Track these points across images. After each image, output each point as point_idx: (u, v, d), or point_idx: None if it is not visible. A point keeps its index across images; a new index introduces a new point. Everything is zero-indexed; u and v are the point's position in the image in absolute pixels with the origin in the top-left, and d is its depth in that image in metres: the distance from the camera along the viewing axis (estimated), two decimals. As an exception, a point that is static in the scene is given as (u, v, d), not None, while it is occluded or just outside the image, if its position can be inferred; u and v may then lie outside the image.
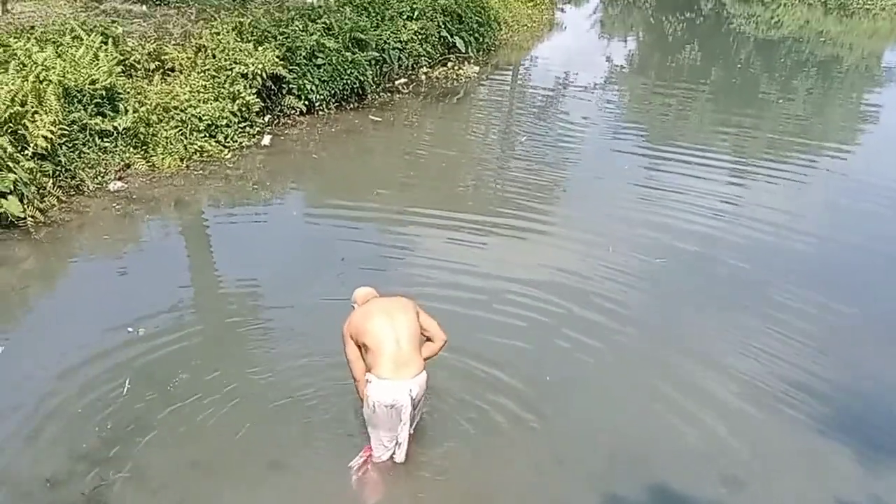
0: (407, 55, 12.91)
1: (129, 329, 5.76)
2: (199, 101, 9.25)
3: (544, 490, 4.54)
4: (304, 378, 5.30)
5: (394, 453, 4.51)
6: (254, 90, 9.83)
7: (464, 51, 14.29)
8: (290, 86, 10.52)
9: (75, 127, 8.00)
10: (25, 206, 7.09)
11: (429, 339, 4.56)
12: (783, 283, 6.91)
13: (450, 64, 14.01)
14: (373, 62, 11.82)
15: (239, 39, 10.15)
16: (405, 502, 4.50)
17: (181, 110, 9.08)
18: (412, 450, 4.55)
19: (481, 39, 15.14)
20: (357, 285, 4.77)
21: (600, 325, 6.10)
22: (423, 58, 13.42)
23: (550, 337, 5.93)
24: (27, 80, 7.60)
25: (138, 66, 9.47)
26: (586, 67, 16.19)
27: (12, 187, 6.99)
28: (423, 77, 13.45)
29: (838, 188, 9.69)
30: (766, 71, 17.88)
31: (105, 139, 8.34)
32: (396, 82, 12.77)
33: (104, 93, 8.37)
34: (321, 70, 10.85)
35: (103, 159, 8.27)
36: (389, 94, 12.41)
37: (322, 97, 10.90)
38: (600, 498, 4.48)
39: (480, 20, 15.06)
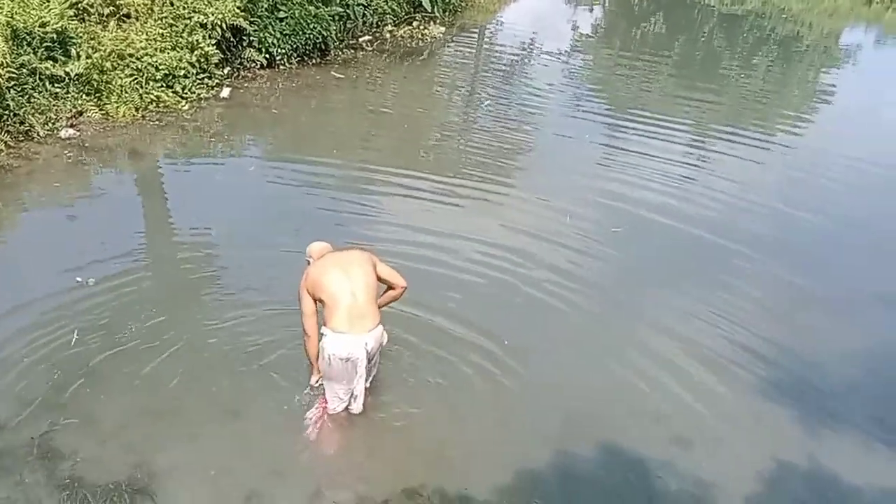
0: (372, 12, 12.70)
1: (79, 279, 5.65)
2: (155, 49, 8.98)
3: (498, 444, 4.60)
4: (257, 328, 5.28)
5: (349, 405, 4.54)
6: (213, 41, 9.57)
7: (430, 10, 14.09)
8: (251, 38, 10.28)
9: (24, 70, 7.71)
10: (-30, 150, 6.86)
11: (390, 288, 4.57)
12: (739, 253, 7.05)
13: (415, 23, 13.81)
14: (337, 17, 11.60)
15: (198, -13, 9.85)
16: (361, 452, 4.53)
17: (137, 58, 8.81)
18: (368, 402, 4.59)
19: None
20: (312, 240, 4.75)
21: (560, 287, 6.16)
22: (388, 15, 13.22)
23: (510, 296, 5.98)
24: (-28, 20, 7.31)
25: (92, 11, 9.11)
26: (552, 33, 16.12)
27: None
28: (388, 35, 13.25)
29: (793, 162, 9.87)
30: (728, 45, 18.02)
31: (56, 84, 8.07)
32: (360, 39, 12.57)
33: (55, 36, 8.06)
34: (283, 23, 10.61)
35: (54, 105, 8.01)
36: (353, 51, 12.20)
37: (284, 51, 10.69)
38: (554, 452, 4.57)
39: (447, -21, 14.86)
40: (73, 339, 5.00)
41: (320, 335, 4.34)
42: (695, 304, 6.11)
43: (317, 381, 4.62)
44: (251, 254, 6.24)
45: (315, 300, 4.37)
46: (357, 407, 4.53)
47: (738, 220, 7.80)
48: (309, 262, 4.55)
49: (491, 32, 16.39)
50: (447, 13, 14.90)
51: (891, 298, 6.58)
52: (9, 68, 7.37)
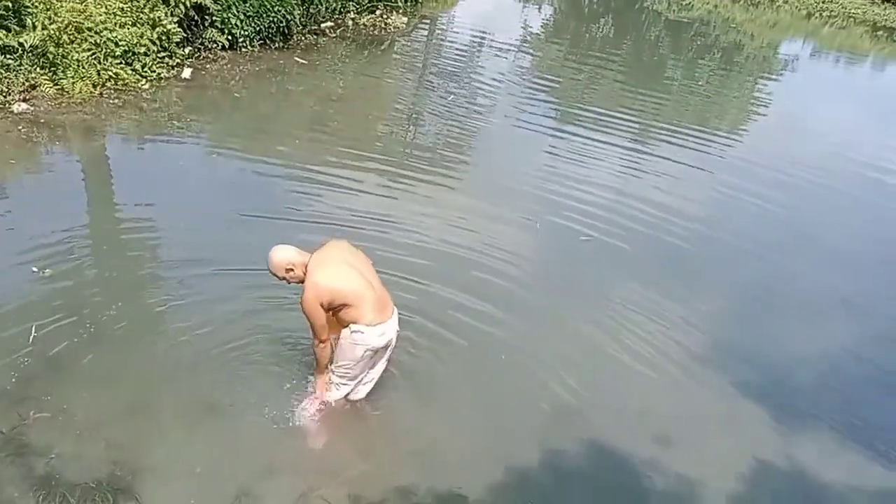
0: (336, -2, 12.47)
1: (34, 269, 5.34)
2: (115, 24, 8.58)
3: (488, 441, 4.58)
4: (228, 309, 5.17)
5: (350, 392, 4.46)
6: (175, 18, 9.22)
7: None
8: (214, 18, 9.95)
9: (-26, 39, 7.28)
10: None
11: None
12: (698, 256, 7.26)
13: (378, 12, 13.64)
14: (301, 2, 11.33)
15: (160, -39, 9.46)
16: (352, 450, 4.45)
17: (96, 32, 8.39)
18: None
19: (410, -11, 14.82)
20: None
21: (532, 281, 6.22)
22: (351, 2, 13.00)
23: (489, 291, 5.96)
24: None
25: (47, -21, 8.65)
26: (506, 29, 16.22)
27: None
28: (351, 23, 13.04)
29: (738, 166, 10.03)
30: (674, 50, 18.50)
31: (9, 56, 7.62)
32: (323, 25, 12.32)
33: (9, 4, 7.62)
34: (247, 4, 10.31)
35: (6, 77, 7.58)
36: (315, 37, 11.96)
37: (246, 33, 10.39)
38: (540, 452, 4.58)
39: (409, -31, 14.72)
40: (32, 336, 4.68)
41: (356, 332, 4.10)
42: (664, 305, 6.20)
43: (330, 381, 4.42)
44: (206, 235, 6.09)
45: (334, 308, 4.08)
46: (363, 392, 4.48)
47: (691, 224, 7.90)
48: (290, 272, 4.11)
49: (450, 24, 16.27)
50: (409, 3, 14.76)
51: (848, 299, 6.85)
52: (-42, 36, 6.93)
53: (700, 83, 15.27)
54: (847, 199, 9.63)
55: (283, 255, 4.09)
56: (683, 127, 11.39)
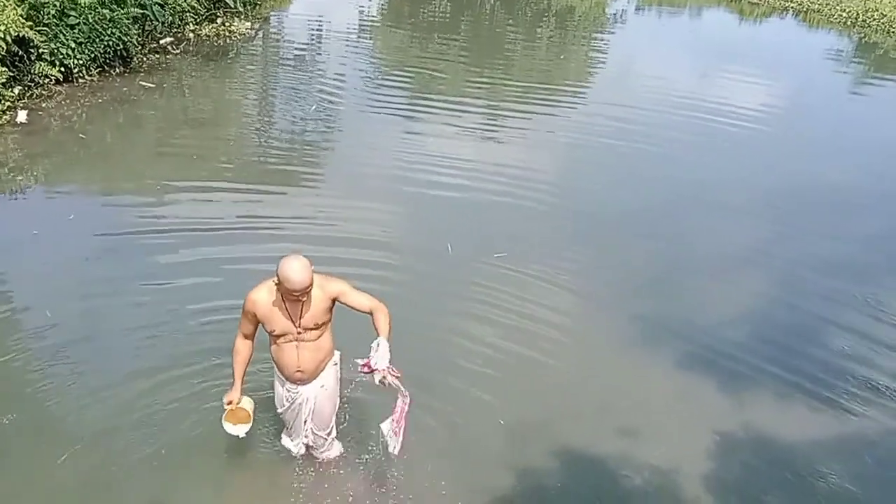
0: (171, 11, 11.53)
1: None
2: (-74, 73, 7.45)
3: (457, 475, 4.40)
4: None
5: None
6: (-4, 57, 8.15)
7: (233, 5, 13.13)
8: (41, 50, 8.88)
9: None
10: None
11: None
12: (595, 227, 7.40)
13: (219, 20, 12.80)
14: (135, 20, 10.38)
15: (-35, -4, 8.31)
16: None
17: None
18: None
19: (247, -8, 14.06)
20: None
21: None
22: (188, 14, 12.10)
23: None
24: None
25: None
26: (347, 19, 15.95)
27: None
28: (192, 35, 12.16)
29: (578, 124, 10.45)
30: (511, 21, 18.89)
31: None
32: (163, 42, 11.40)
33: None
34: (76, 30, 9.31)
35: None
36: (157, 56, 11.06)
37: (80, 62, 9.41)
38: (512, 472, 4.44)
39: (243, -30, 13.92)
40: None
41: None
42: (574, 291, 6.19)
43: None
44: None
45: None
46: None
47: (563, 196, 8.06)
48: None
49: (284, 24, 15.65)
50: (248, 6, 13.98)
51: (745, 255, 7.17)
52: None
53: (541, 49, 15.75)
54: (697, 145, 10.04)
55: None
56: (532, 98, 11.59)
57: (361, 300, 3.70)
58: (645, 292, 6.36)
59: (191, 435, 4.37)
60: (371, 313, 3.66)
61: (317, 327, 3.69)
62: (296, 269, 3.43)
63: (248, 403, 3.91)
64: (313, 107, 10.23)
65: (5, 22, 8.19)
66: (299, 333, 3.67)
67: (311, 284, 3.49)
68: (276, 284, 3.52)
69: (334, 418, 4.14)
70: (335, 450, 4.28)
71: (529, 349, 5.43)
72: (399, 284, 5.89)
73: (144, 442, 4.29)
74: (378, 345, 3.55)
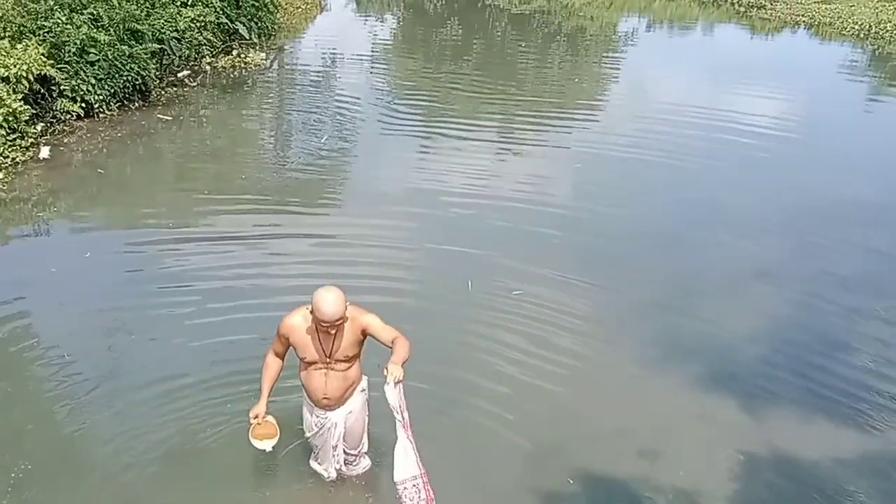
0: (188, 45, 11.76)
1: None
2: (-48, 113, 7.65)
3: (476, 499, 4.39)
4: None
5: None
6: (19, 95, 8.33)
7: (247, 37, 13.36)
8: (62, 87, 9.08)
9: None
10: None
11: None
12: (613, 250, 7.37)
13: (234, 52, 13.02)
14: (152, 55, 10.59)
15: (-11, 37, 8.55)
16: None
17: (-69, 125, 7.45)
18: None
19: (261, 24, 14.26)
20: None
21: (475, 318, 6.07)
22: (204, 47, 12.31)
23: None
24: None
25: None
26: (360, 46, 16.02)
27: None
28: (209, 68, 12.35)
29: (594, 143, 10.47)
30: (521, 42, 19.03)
31: None
32: (180, 75, 11.60)
33: None
34: (96, 67, 9.50)
35: None
36: (175, 89, 11.23)
37: (101, 97, 9.58)
38: (532, 495, 4.43)
39: (257, 4, 14.14)
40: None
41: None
42: (587, 313, 6.16)
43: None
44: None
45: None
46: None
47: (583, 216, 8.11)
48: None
49: (298, 53, 15.78)
50: (263, 37, 14.20)
51: (762, 272, 7.13)
52: None
53: (553, 69, 15.82)
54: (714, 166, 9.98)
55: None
56: (545, 118, 11.71)
57: (387, 335, 3.70)
58: (663, 312, 6.33)
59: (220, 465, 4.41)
60: (392, 344, 3.66)
61: (347, 360, 3.76)
62: (329, 301, 3.49)
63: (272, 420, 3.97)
64: (324, 138, 10.28)
65: (28, 62, 8.40)
66: (328, 363, 3.72)
67: (342, 317, 3.53)
68: (311, 312, 3.57)
69: (365, 436, 4.21)
70: (362, 465, 4.34)
71: (545, 373, 5.42)
72: (414, 307, 5.96)
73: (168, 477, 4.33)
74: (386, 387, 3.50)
